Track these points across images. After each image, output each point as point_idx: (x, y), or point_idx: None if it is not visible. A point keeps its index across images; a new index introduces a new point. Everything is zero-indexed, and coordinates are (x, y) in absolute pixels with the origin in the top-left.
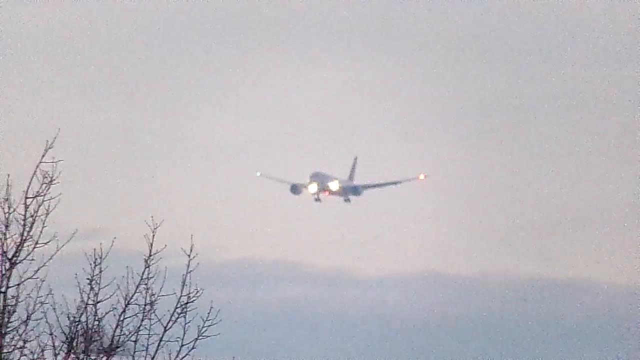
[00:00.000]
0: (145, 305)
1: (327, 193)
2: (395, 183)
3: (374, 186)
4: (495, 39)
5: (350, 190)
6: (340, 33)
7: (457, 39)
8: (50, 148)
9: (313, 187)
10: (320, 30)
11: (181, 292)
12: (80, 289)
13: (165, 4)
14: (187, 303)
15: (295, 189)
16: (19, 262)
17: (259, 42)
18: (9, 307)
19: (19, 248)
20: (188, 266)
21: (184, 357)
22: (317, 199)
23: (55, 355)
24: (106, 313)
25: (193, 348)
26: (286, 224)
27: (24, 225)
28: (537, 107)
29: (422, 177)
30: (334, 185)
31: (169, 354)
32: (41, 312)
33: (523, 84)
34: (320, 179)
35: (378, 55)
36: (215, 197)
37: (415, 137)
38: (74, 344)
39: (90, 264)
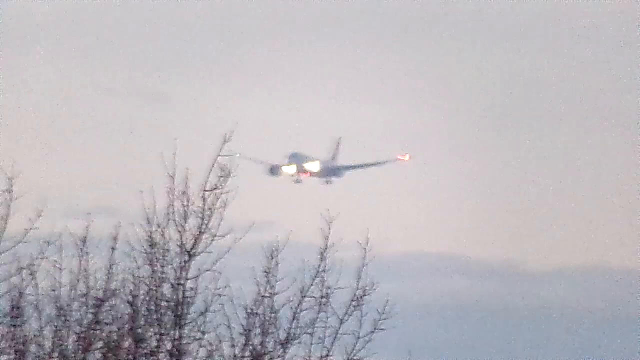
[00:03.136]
0: (320, 297)
1: (306, 174)
2: (378, 164)
3: (356, 167)
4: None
5: (331, 172)
6: (323, 12)
7: (442, 15)
8: (227, 142)
9: (291, 169)
10: (302, 10)
11: (357, 285)
12: (256, 281)
13: None
14: (362, 296)
15: (273, 170)
16: (197, 255)
17: (242, 23)
18: (188, 298)
19: (197, 240)
20: (363, 259)
21: (360, 350)
22: (297, 181)
23: (233, 346)
24: (282, 305)
25: (369, 341)
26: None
27: (202, 218)
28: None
29: (405, 157)
30: (313, 166)
31: (345, 347)
32: (219, 303)
33: (512, 58)
34: (299, 159)
35: (361, 33)
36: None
37: (401, 118)
38: (251, 335)
39: (267, 256)
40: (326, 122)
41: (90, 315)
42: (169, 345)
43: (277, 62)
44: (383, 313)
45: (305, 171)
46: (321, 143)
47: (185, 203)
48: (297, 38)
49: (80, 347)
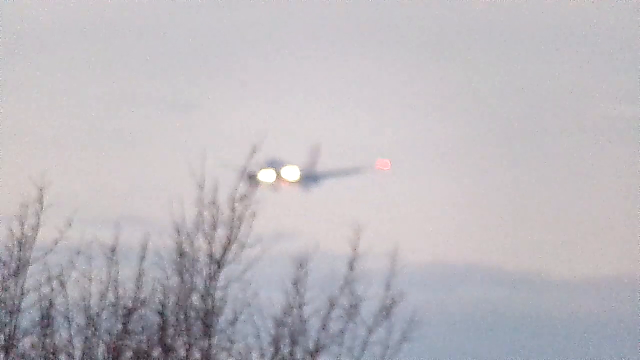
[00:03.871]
0: (349, 307)
1: (284, 181)
2: (357, 171)
3: (335, 175)
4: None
5: (310, 179)
6: (307, 15)
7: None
8: (256, 152)
9: (269, 175)
10: (283, 13)
11: (385, 295)
12: (285, 291)
13: None
14: (391, 306)
15: (251, 177)
16: (226, 265)
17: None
18: (217, 308)
19: (226, 250)
20: (392, 269)
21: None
22: (274, 188)
23: (262, 356)
24: (311, 315)
25: (397, 350)
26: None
27: (231, 228)
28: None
29: (385, 164)
30: (292, 173)
31: (374, 356)
32: (247, 313)
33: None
34: (277, 166)
35: (340, 37)
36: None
37: (383, 123)
38: (280, 345)
39: (295, 266)
40: (305, 128)
41: (119, 325)
42: (198, 355)
43: (272, 66)
44: (411, 322)
45: (282, 178)
46: (300, 149)
47: (214, 213)
48: (289, 41)
49: (110, 356)
